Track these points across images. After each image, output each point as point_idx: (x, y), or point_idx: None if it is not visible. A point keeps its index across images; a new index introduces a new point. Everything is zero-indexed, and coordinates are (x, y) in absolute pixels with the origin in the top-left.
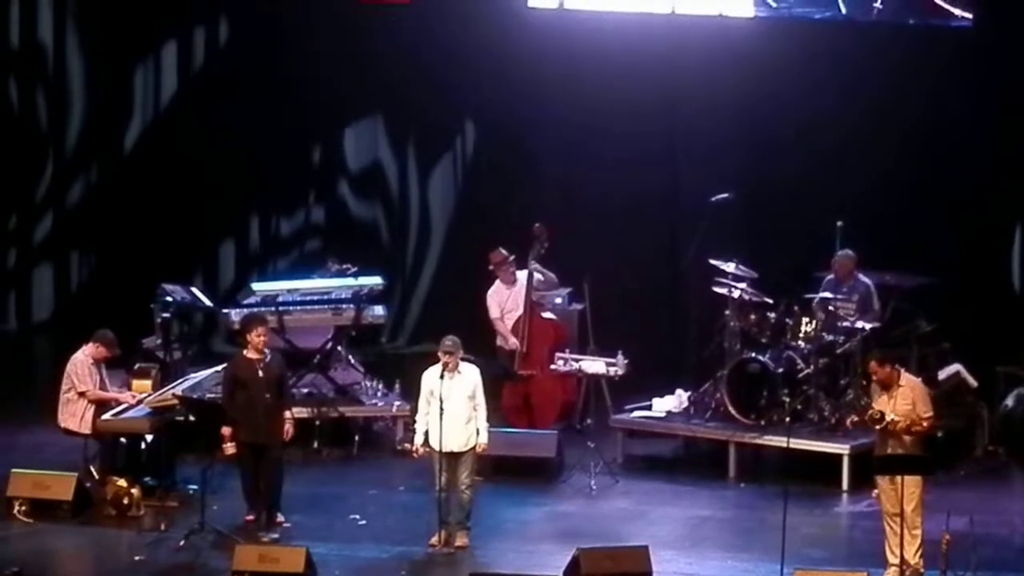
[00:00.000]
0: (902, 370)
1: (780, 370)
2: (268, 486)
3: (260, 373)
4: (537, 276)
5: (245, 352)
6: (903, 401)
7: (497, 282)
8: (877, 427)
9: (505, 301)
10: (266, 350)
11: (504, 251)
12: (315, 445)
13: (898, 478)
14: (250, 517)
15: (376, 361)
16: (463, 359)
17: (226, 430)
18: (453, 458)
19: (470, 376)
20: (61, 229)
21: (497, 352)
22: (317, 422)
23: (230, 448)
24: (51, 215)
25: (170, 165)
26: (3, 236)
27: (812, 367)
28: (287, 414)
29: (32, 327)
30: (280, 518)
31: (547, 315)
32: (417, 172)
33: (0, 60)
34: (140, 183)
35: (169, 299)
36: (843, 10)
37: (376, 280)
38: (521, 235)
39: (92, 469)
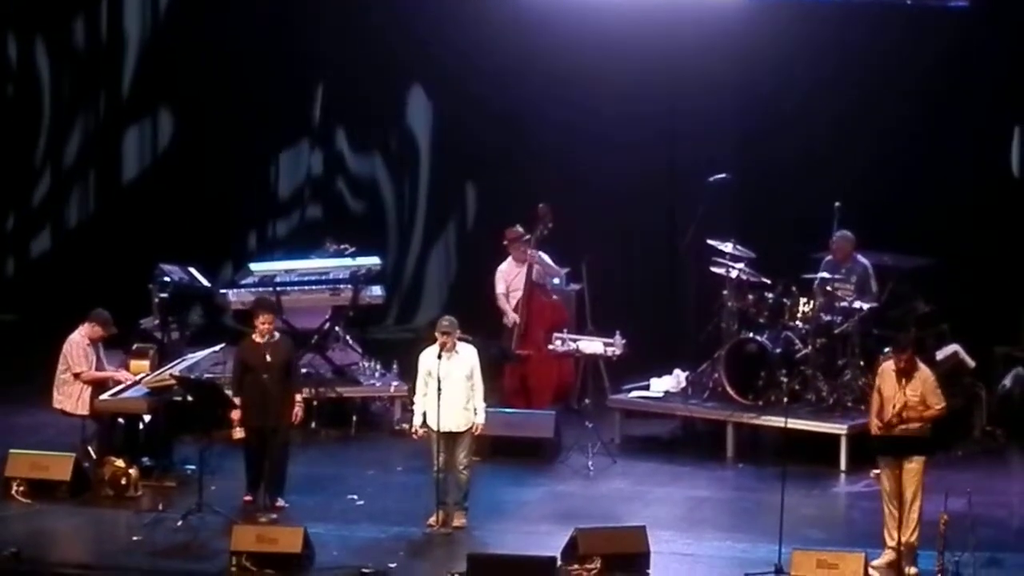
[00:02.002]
0: (917, 360)
1: (778, 350)
2: (273, 469)
3: (268, 357)
4: (537, 267)
5: (253, 336)
6: (911, 392)
7: (509, 259)
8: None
9: (512, 279)
10: (275, 333)
11: (520, 228)
12: (313, 425)
13: (897, 460)
14: (248, 497)
15: (373, 341)
16: (460, 339)
17: (235, 414)
18: (451, 438)
19: (468, 356)
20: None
21: (503, 332)
22: (315, 402)
23: (238, 432)
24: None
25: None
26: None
27: (810, 347)
28: (296, 397)
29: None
30: (281, 502)
31: (551, 297)
32: (416, 158)
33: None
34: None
35: (167, 279)
36: None
37: (374, 260)
38: (523, 215)
39: (90, 449)
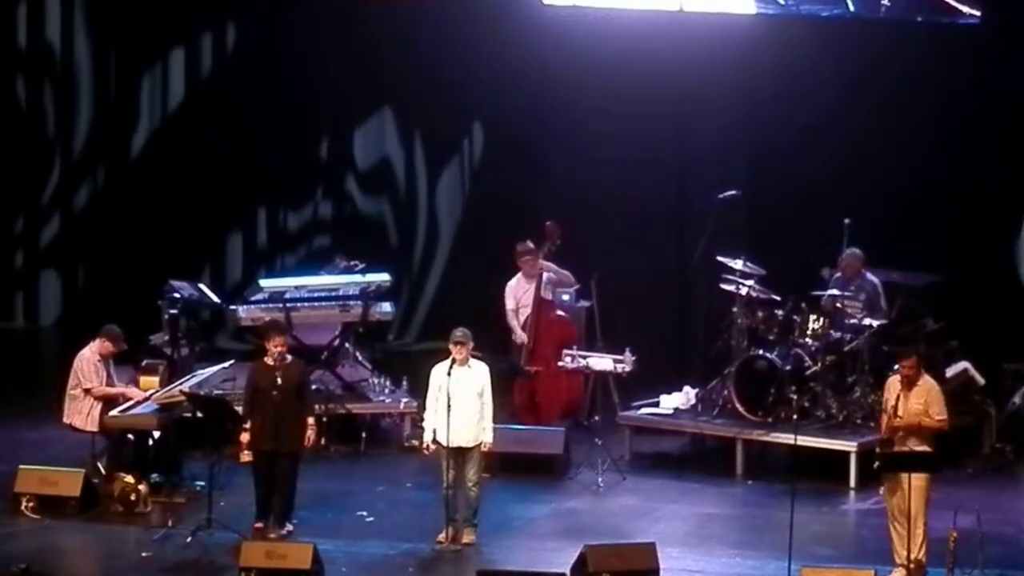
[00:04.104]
0: (922, 371)
1: (787, 367)
2: (281, 496)
3: (279, 380)
4: (548, 275)
5: (265, 358)
6: (916, 401)
7: (518, 276)
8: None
9: (522, 295)
10: (287, 356)
11: (531, 244)
12: (323, 442)
13: (904, 477)
14: (259, 525)
15: (383, 357)
16: (472, 355)
17: (244, 437)
18: (460, 454)
19: (480, 373)
20: (67, 228)
21: (511, 348)
22: (325, 419)
23: (246, 456)
24: (58, 215)
25: (176, 165)
26: (10, 237)
27: (819, 364)
28: (309, 420)
29: (39, 327)
30: (288, 527)
31: (558, 313)
32: (426, 169)
33: (7, 61)
34: (147, 184)
35: (177, 296)
36: (851, 8)
37: (383, 277)
38: (532, 232)
39: (100, 465)
